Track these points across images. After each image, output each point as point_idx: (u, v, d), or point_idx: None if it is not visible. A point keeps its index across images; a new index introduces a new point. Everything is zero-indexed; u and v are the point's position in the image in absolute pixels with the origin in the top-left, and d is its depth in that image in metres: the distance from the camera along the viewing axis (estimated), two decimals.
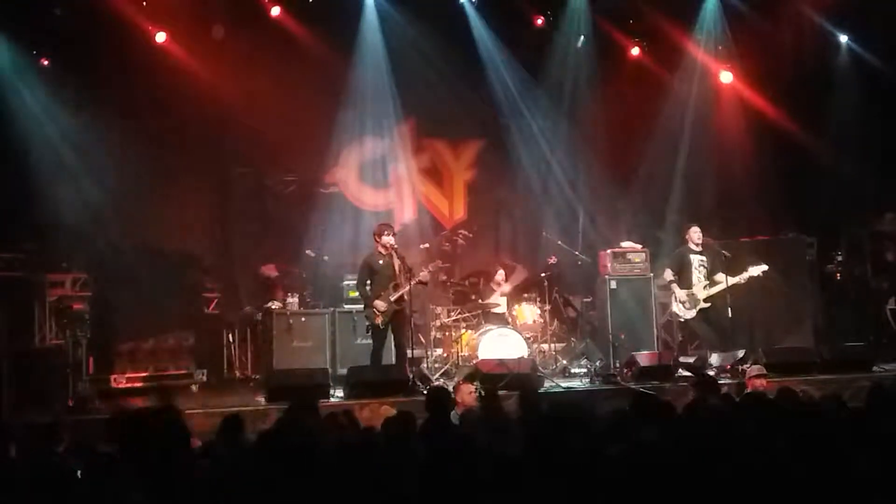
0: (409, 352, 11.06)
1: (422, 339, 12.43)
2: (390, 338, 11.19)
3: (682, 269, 12.12)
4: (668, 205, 15.13)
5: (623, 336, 12.46)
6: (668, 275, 12.20)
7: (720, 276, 11.88)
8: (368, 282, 11.25)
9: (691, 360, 12.11)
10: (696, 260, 12.09)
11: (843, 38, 15.29)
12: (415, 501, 4.26)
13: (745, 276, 11.85)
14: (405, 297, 11.00)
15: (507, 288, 13.04)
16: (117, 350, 12.16)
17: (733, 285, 11.80)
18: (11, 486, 4.88)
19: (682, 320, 12.21)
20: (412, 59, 14.24)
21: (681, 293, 11.96)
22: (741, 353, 11.80)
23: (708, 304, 11.99)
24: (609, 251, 13.12)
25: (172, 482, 4.41)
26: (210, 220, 13.72)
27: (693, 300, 11.93)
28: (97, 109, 12.92)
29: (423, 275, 11.28)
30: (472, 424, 6.69)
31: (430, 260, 12.47)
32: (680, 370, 11.60)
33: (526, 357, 11.52)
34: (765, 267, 11.88)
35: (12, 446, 6.19)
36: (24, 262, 12.32)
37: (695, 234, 12.18)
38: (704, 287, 11.94)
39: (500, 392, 9.97)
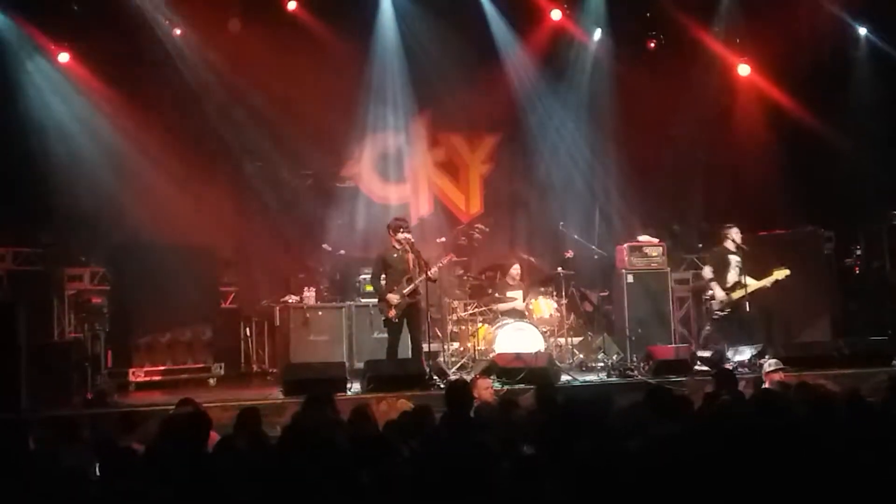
0: (425, 346, 11.03)
1: (438, 333, 12.43)
2: (406, 332, 11.20)
3: (721, 268, 12.10)
4: (685, 199, 15.09)
5: (640, 330, 12.43)
6: (708, 272, 12.18)
7: (749, 280, 11.95)
8: (383, 276, 11.25)
9: (708, 354, 12.08)
10: (733, 260, 12.09)
11: (862, 31, 15.18)
12: (431, 495, 4.26)
13: (769, 280, 11.95)
14: (419, 290, 10.99)
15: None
16: (135, 344, 12.25)
17: (758, 288, 11.90)
18: (30, 479, 4.91)
19: (717, 317, 12.15)
20: (428, 53, 14.24)
21: (720, 292, 11.95)
22: (759, 348, 11.79)
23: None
24: (626, 245, 13.11)
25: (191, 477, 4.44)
26: (227, 214, 13.75)
27: (729, 299, 11.92)
28: (115, 104, 13.00)
29: (433, 271, 11.25)
30: (488, 419, 6.68)
31: (445, 254, 12.46)
32: (697, 364, 11.57)
33: (543, 351, 11.50)
34: (787, 271, 11.95)
35: (31, 439, 6.24)
36: (44, 257, 12.40)
37: (735, 234, 12.15)
38: (737, 287, 11.93)
39: (517, 386, 10.01)
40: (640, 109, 14.70)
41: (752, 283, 11.90)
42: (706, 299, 12.13)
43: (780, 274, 11.91)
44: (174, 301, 12.51)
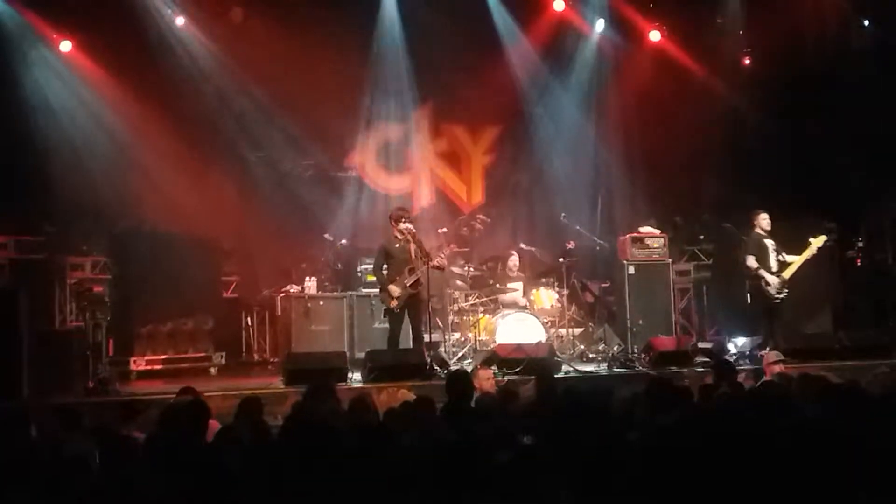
0: (426, 336, 11.04)
1: (439, 324, 12.42)
2: (407, 322, 11.20)
3: (761, 254, 12.10)
4: (687, 190, 15.07)
5: (641, 321, 12.44)
6: (752, 262, 12.06)
7: (788, 257, 12.01)
8: (384, 266, 11.25)
9: (710, 345, 12.09)
10: (769, 244, 12.10)
11: (866, 22, 15.14)
12: (431, 485, 4.27)
13: (810, 251, 12.00)
14: (421, 281, 10.98)
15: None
16: (137, 333, 12.27)
17: (803, 261, 11.98)
18: (32, 467, 4.92)
19: (777, 301, 12.11)
20: (431, 43, 14.19)
21: (771, 277, 11.93)
22: (759, 339, 11.79)
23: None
24: (627, 236, 13.10)
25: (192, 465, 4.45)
26: (229, 203, 13.75)
27: (783, 280, 11.91)
28: (118, 93, 13.00)
29: (440, 260, 11.25)
30: (489, 409, 6.68)
31: (447, 244, 12.46)
32: (698, 356, 11.58)
33: (543, 342, 11.51)
34: (825, 237, 12.09)
35: (32, 428, 6.24)
36: (46, 245, 12.39)
37: (764, 220, 12.15)
38: (783, 268, 11.97)
39: (517, 377, 10.02)
40: (642, 100, 14.69)
41: (795, 259, 11.93)
42: (765, 287, 12.02)
43: (819, 241, 12.00)
44: (176, 290, 12.52)
